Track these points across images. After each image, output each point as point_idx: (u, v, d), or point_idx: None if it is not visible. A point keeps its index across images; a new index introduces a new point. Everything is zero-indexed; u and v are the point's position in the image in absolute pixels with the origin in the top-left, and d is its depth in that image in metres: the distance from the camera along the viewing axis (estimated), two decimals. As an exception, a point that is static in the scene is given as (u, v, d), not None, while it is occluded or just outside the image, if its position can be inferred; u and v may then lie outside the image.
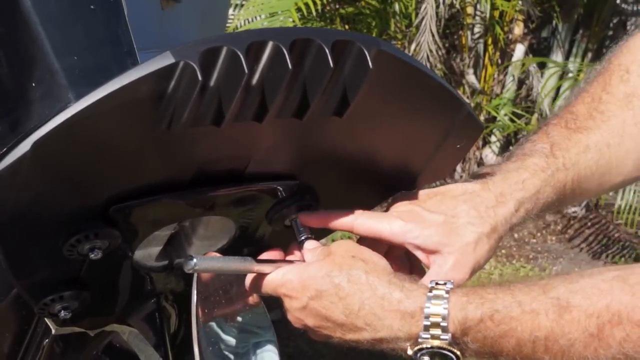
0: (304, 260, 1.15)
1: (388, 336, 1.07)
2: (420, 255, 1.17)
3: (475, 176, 1.21)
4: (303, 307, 1.10)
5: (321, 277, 1.09)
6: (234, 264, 1.13)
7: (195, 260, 1.08)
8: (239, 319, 1.23)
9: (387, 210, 1.20)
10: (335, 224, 1.18)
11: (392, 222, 1.16)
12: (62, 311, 1.14)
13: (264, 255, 1.16)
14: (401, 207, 1.18)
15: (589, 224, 5.12)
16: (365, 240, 1.18)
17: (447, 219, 1.16)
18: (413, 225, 1.16)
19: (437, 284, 1.07)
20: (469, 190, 1.18)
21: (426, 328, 1.05)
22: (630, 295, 0.99)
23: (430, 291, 1.06)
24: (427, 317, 1.05)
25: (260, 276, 1.13)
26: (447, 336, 1.04)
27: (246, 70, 1.00)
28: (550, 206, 1.22)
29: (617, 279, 1.01)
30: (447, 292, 1.05)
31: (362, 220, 1.17)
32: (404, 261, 1.19)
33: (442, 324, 1.04)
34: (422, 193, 1.20)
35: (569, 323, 1.01)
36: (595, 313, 1.00)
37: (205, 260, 1.11)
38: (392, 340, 1.08)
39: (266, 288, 1.13)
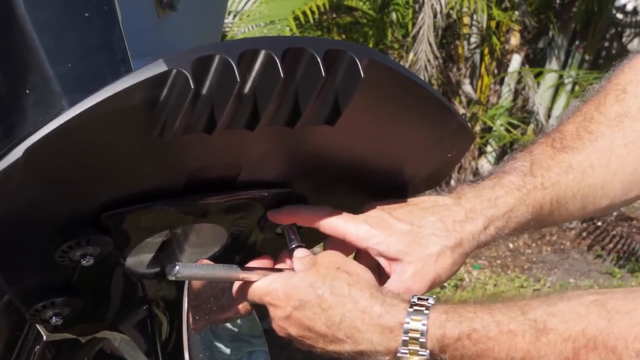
0: (293, 269, 1.15)
1: (368, 349, 1.08)
2: (382, 262, 1.16)
3: (451, 191, 1.21)
4: (287, 317, 1.10)
5: (305, 287, 1.09)
6: (218, 271, 1.13)
7: (177, 267, 1.09)
8: (231, 326, 1.23)
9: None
10: (301, 219, 1.18)
11: (358, 226, 1.16)
12: (54, 317, 1.14)
13: (253, 263, 1.17)
14: (371, 212, 1.18)
15: (584, 234, 5.12)
16: (332, 241, 1.18)
17: (412, 228, 1.16)
18: (378, 231, 1.16)
19: (419, 299, 1.07)
20: (439, 203, 1.18)
21: (405, 343, 1.06)
22: (606, 320, 0.99)
23: (411, 307, 1.06)
24: (405, 332, 1.06)
25: (247, 284, 1.13)
26: (426, 352, 1.05)
27: (238, 79, 1.00)
28: (526, 226, 1.21)
29: (594, 303, 1.01)
30: (428, 308, 1.06)
31: (329, 219, 1.17)
32: (375, 271, 1.17)
33: (420, 339, 1.05)
34: (395, 202, 1.19)
35: (545, 346, 1.01)
36: (571, 337, 1.00)
37: (189, 267, 1.11)
38: (372, 354, 1.08)
39: (252, 296, 1.13)
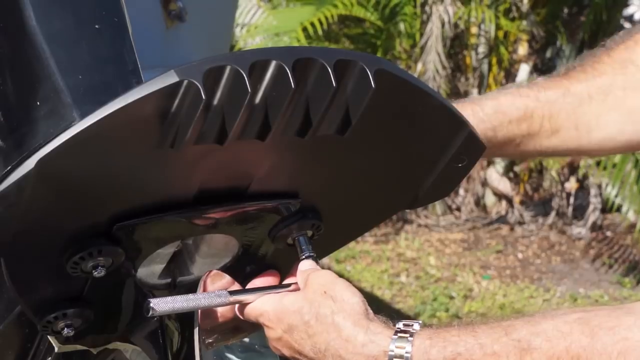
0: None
1: None
2: None
3: None
4: (278, 338, 1.11)
5: (293, 312, 1.09)
6: (202, 301, 1.11)
7: (151, 303, 1.07)
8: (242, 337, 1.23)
9: None
10: None
11: None
12: (65, 329, 1.14)
13: (258, 280, 1.17)
14: None
15: (594, 244, 5.11)
16: None
17: None
18: None
19: (404, 325, 1.06)
20: None
21: None
22: (590, 337, 0.98)
23: (395, 333, 1.05)
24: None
25: (245, 304, 1.14)
26: None
27: (249, 89, 1.00)
28: (520, 130, 1.27)
29: (578, 321, 1.00)
30: (412, 335, 1.05)
31: None
32: None
33: None
34: None
35: None
36: (555, 355, 0.99)
37: (165, 302, 1.09)
38: None
39: (248, 316, 1.14)
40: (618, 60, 1.30)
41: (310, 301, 1.09)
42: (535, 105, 1.26)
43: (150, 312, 1.08)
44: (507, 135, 1.26)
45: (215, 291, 1.13)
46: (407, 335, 1.05)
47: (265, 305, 1.12)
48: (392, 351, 1.05)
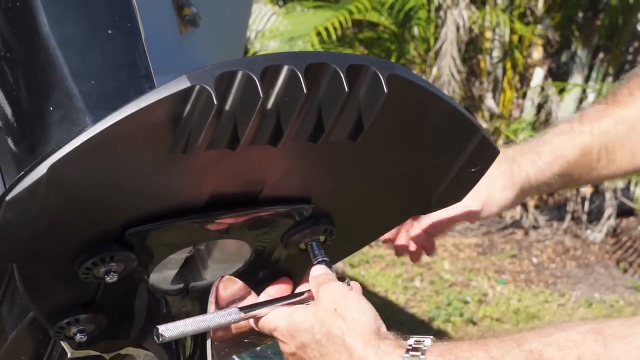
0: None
1: None
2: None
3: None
4: (292, 354, 1.11)
5: (304, 330, 1.09)
6: (213, 321, 1.11)
7: (160, 329, 1.07)
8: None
9: None
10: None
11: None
12: (78, 334, 1.14)
13: (272, 288, 1.17)
14: None
15: (609, 248, 5.09)
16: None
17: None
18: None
19: (415, 341, 1.06)
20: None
21: None
22: (602, 346, 0.98)
23: (407, 352, 1.05)
24: None
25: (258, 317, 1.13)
26: None
27: (261, 95, 1.00)
28: (577, 168, 1.28)
29: (591, 330, 1.00)
30: (423, 352, 1.04)
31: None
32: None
33: None
34: None
35: None
36: None
37: (175, 326, 1.09)
38: None
39: (262, 330, 1.14)
40: None
41: (321, 320, 1.09)
42: (591, 140, 1.27)
43: (160, 339, 1.08)
44: (568, 176, 1.27)
45: (225, 310, 1.13)
46: (419, 353, 1.04)
47: (277, 320, 1.12)
48: None
